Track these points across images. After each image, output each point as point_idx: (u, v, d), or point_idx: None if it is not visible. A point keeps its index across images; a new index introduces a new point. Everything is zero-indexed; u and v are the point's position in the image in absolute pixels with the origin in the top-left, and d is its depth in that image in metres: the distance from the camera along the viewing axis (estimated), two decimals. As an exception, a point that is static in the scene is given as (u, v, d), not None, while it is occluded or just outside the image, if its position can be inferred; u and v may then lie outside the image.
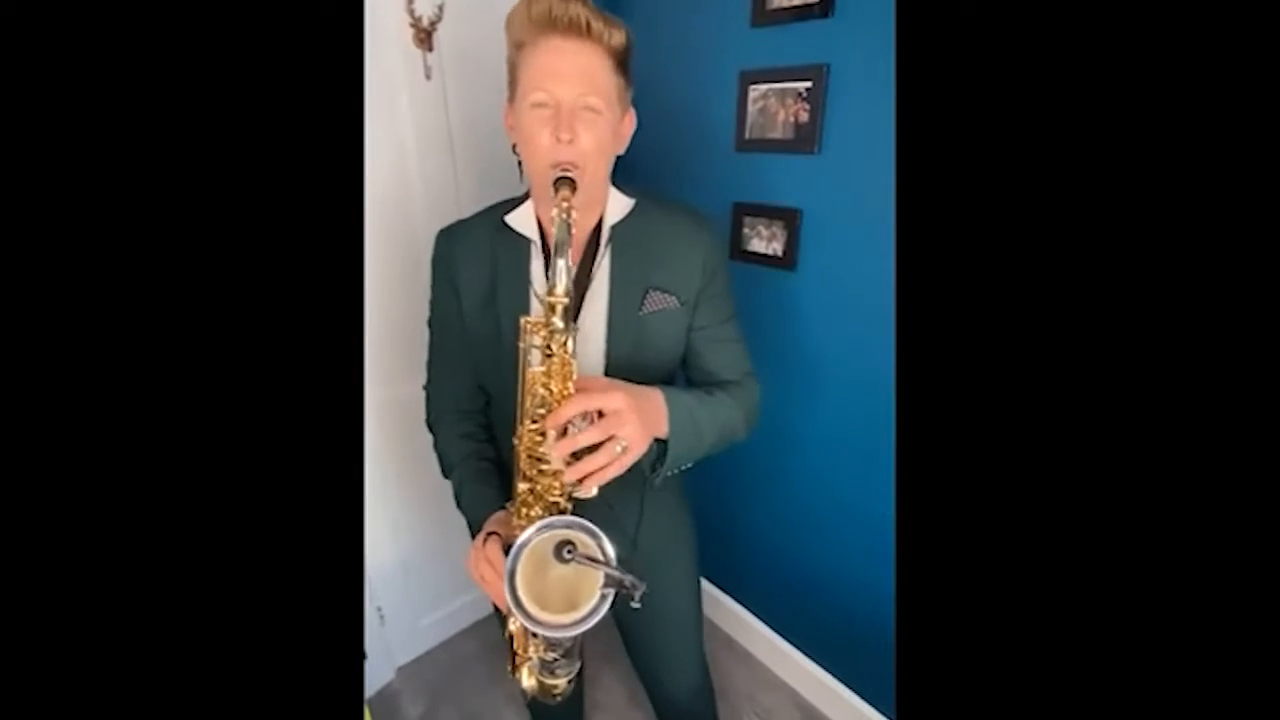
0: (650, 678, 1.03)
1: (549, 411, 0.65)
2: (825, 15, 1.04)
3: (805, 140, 1.12)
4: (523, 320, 0.66)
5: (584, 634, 0.67)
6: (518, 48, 0.68)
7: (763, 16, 1.14)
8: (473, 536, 0.80)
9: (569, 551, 0.61)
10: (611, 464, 0.61)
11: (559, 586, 0.66)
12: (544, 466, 0.68)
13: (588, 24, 0.64)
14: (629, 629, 0.99)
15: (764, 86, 1.16)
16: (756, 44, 1.17)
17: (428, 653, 1.67)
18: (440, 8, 1.20)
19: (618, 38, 0.67)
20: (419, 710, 1.52)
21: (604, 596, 0.62)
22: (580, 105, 0.66)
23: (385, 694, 1.56)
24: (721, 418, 0.76)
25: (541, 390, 0.66)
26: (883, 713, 1.37)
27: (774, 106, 1.16)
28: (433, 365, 0.92)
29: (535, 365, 0.66)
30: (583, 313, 0.76)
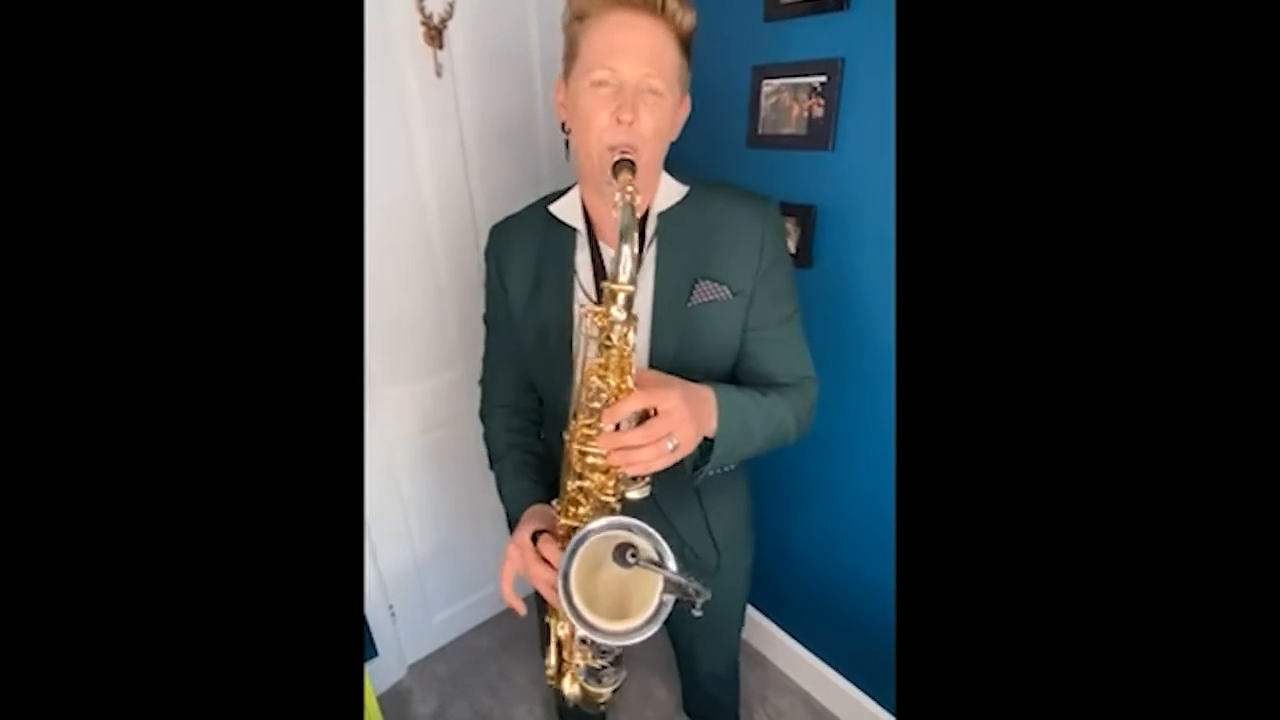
0: (687, 654, 1.04)
1: (605, 405, 0.62)
2: (840, 9, 1.02)
3: (819, 136, 1.11)
4: (579, 308, 0.63)
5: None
6: (580, 19, 0.64)
7: (776, 10, 1.12)
8: (510, 529, 0.78)
9: (633, 555, 0.58)
10: (660, 457, 0.59)
11: (608, 590, 0.63)
12: (595, 461, 0.66)
13: (662, 1, 0.61)
14: (674, 618, 0.97)
15: (777, 81, 1.15)
16: (769, 38, 1.15)
17: (439, 650, 1.68)
18: (451, 5, 1.19)
19: (689, 19, 0.64)
20: (430, 707, 1.53)
21: (663, 604, 0.59)
22: (644, 87, 0.62)
23: (397, 691, 1.56)
24: (774, 421, 0.72)
25: (598, 383, 0.63)
26: (894, 715, 1.35)
27: (787, 102, 1.14)
28: (486, 360, 0.91)
29: (593, 356, 0.63)
30: (635, 313, 0.72)
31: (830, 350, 1.23)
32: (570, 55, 0.67)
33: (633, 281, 0.59)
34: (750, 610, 1.66)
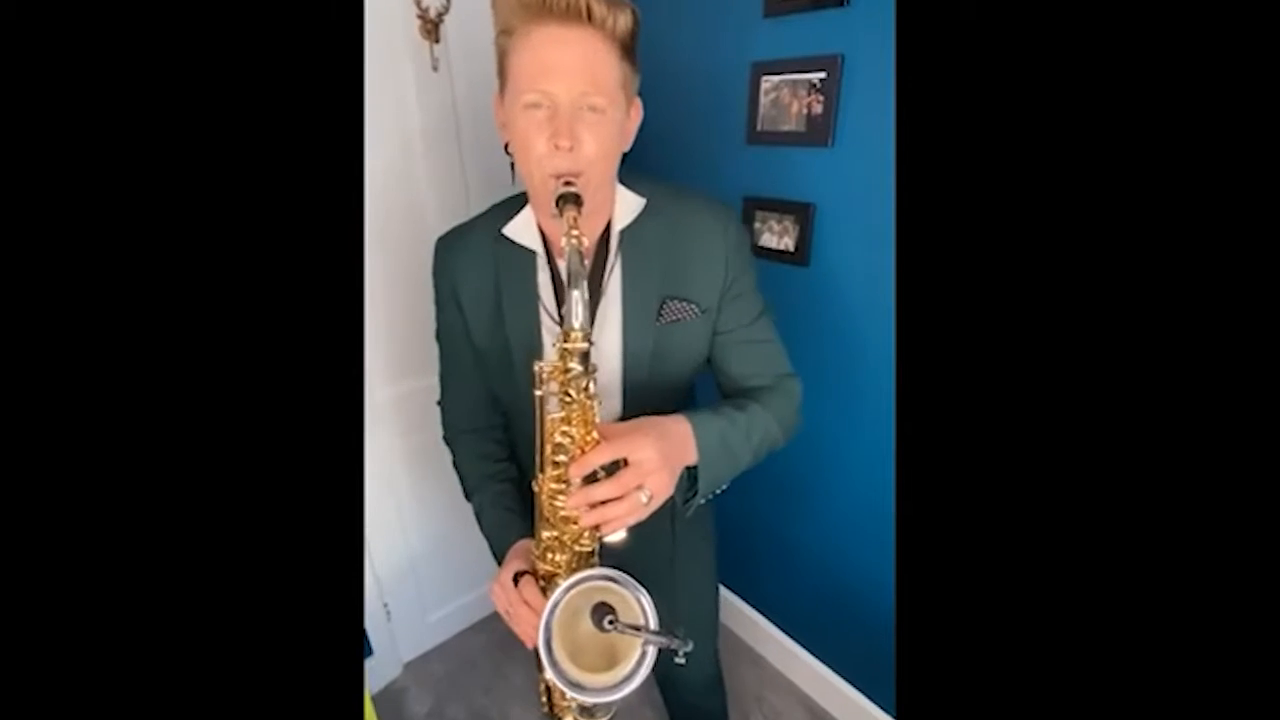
0: (664, 673, 1.03)
1: (570, 459, 0.60)
2: (839, 5, 1.01)
3: (819, 133, 1.10)
4: (537, 366, 0.60)
5: None
6: (506, 34, 0.59)
7: (775, 6, 1.11)
8: (497, 561, 0.78)
9: (610, 622, 0.58)
10: (635, 512, 0.57)
11: (593, 638, 0.62)
12: (569, 514, 0.64)
13: (588, 8, 0.54)
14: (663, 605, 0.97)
15: (776, 78, 1.14)
16: (769, 34, 1.15)
17: (435, 649, 1.67)
18: (447, -1, 1.18)
19: (623, 21, 0.57)
20: (426, 706, 1.52)
21: (645, 655, 0.59)
22: (581, 105, 0.57)
23: (392, 690, 1.56)
24: (757, 435, 0.70)
25: (562, 438, 0.61)
26: (891, 716, 1.35)
27: (787, 98, 1.13)
28: (444, 380, 0.86)
29: (554, 412, 0.60)
30: (595, 328, 0.70)
31: (828, 348, 1.22)
32: (502, 72, 0.61)
33: (586, 335, 0.56)
34: (747, 609, 1.66)
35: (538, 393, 0.61)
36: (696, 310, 0.71)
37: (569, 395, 0.58)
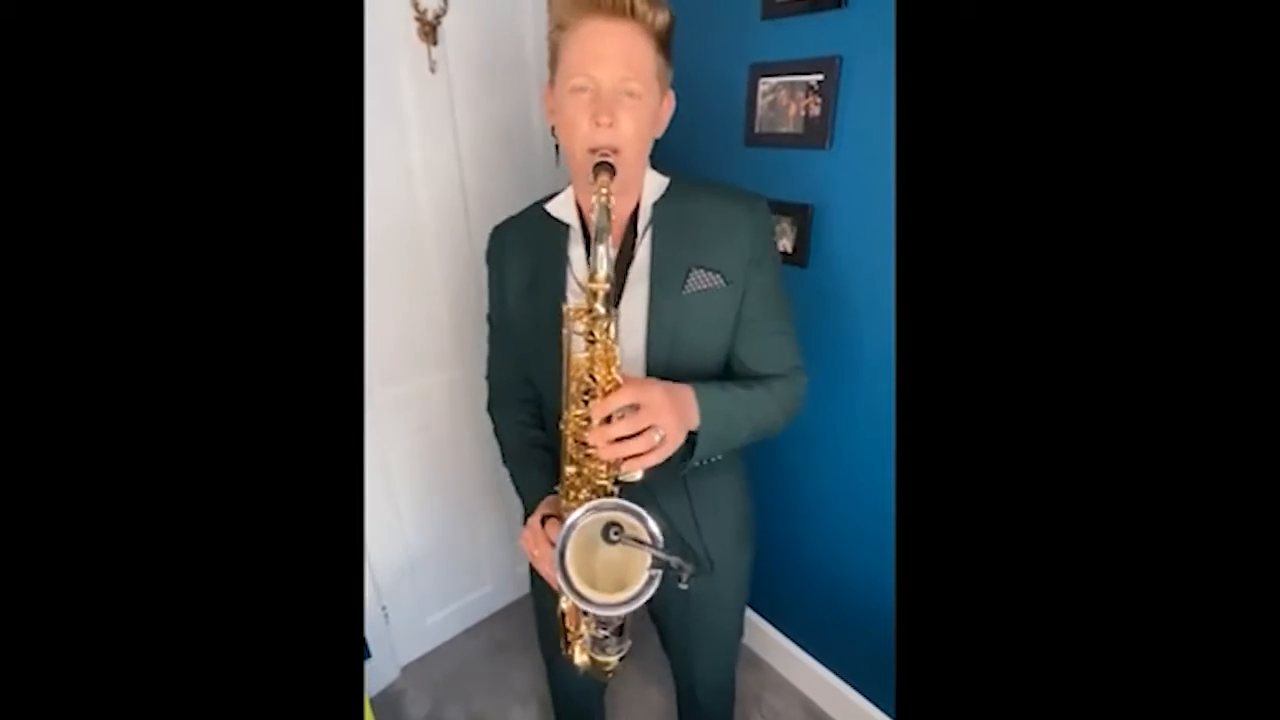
0: (683, 665, 1.03)
1: (594, 397, 0.66)
2: (837, 7, 1.02)
3: (816, 134, 1.10)
4: (565, 307, 0.66)
5: (631, 615, 0.70)
6: (559, 28, 0.67)
7: (773, 8, 1.11)
8: (525, 520, 0.83)
9: (616, 533, 0.62)
10: (650, 451, 0.62)
11: (607, 568, 0.68)
12: (590, 451, 0.69)
13: (631, 5, 0.63)
14: (671, 612, 0.97)
15: (774, 80, 1.14)
16: (767, 36, 1.15)
17: (433, 651, 1.67)
18: (445, 1, 1.18)
19: (661, 18, 0.66)
20: (424, 709, 1.52)
21: (651, 578, 0.63)
22: (621, 90, 0.65)
23: (390, 693, 1.55)
24: (757, 414, 0.75)
25: (586, 376, 0.67)
26: (890, 717, 1.35)
27: (784, 100, 1.14)
28: (490, 354, 0.95)
29: (579, 351, 0.67)
30: (624, 298, 0.75)
31: (827, 348, 1.22)
32: (553, 63, 0.70)
33: (609, 279, 0.62)
34: (748, 611, 1.65)
35: (565, 332, 0.67)
36: (722, 280, 0.75)
37: (593, 336, 0.64)
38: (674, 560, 0.61)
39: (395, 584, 1.51)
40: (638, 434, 0.62)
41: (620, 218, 0.76)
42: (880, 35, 0.98)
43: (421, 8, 1.16)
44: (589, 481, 0.72)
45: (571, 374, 0.68)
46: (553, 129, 0.73)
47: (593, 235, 0.61)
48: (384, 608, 1.50)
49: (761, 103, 1.18)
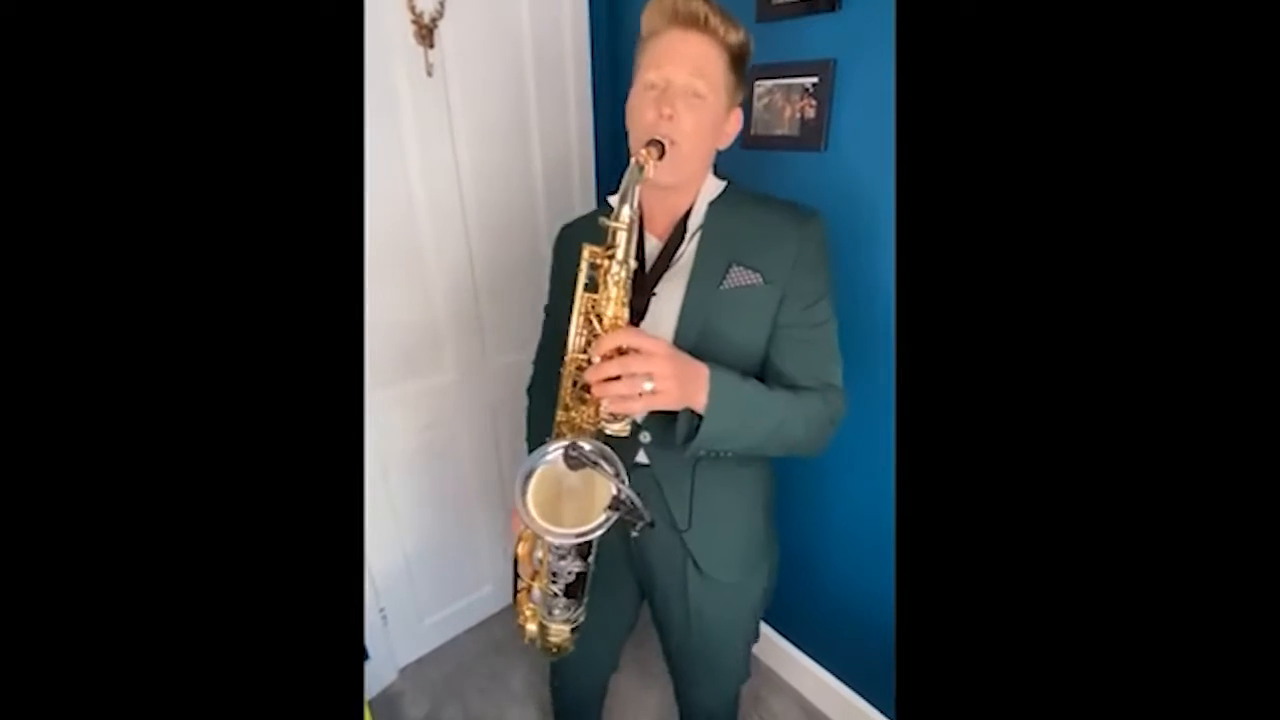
0: (682, 686, 1.03)
1: (595, 337, 0.68)
2: (831, 9, 1.02)
3: (812, 137, 1.11)
4: (585, 247, 0.68)
5: (586, 583, 0.74)
6: (646, 38, 0.73)
7: (768, 11, 1.12)
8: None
9: (574, 452, 0.64)
10: (634, 396, 0.62)
11: (571, 514, 0.70)
12: (581, 394, 0.72)
13: (706, 18, 0.69)
14: (675, 644, 0.96)
15: (769, 82, 1.15)
16: (762, 39, 1.14)
17: (431, 653, 1.67)
18: (442, 4, 1.18)
19: (735, 36, 0.71)
20: (422, 711, 1.51)
21: (607, 518, 0.64)
22: (687, 90, 0.70)
23: (388, 695, 1.55)
24: (776, 417, 0.72)
25: (593, 317, 0.69)
26: (889, 718, 1.35)
27: (780, 103, 1.14)
28: (541, 340, 0.98)
29: (590, 290, 0.70)
30: (659, 290, 0.77)
31: (823, 351, 1.23)
32: (636, 68, 0.75)
33: (631, 222, 0.65)
34: (744, 612, 1.66)
35: (581, 269, 0.69)
36: (761, 278, 0.75)
37: (605, 278, 0.67)
38: (631, 498, 0.61)
39: (394, 586, 1.51)
40: (628, 377, 0.62)
41: (671, 215, 0.79)
42: (875, 38, 0.98)
43: (418, 11, 1.16)
44: (578, 428, 0.73)
45: (579, 311, 0.70)
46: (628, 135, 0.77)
47: (619, 191, 0.65)
48: (382, 609, 1.50)
49: (757, 105, 1.18)
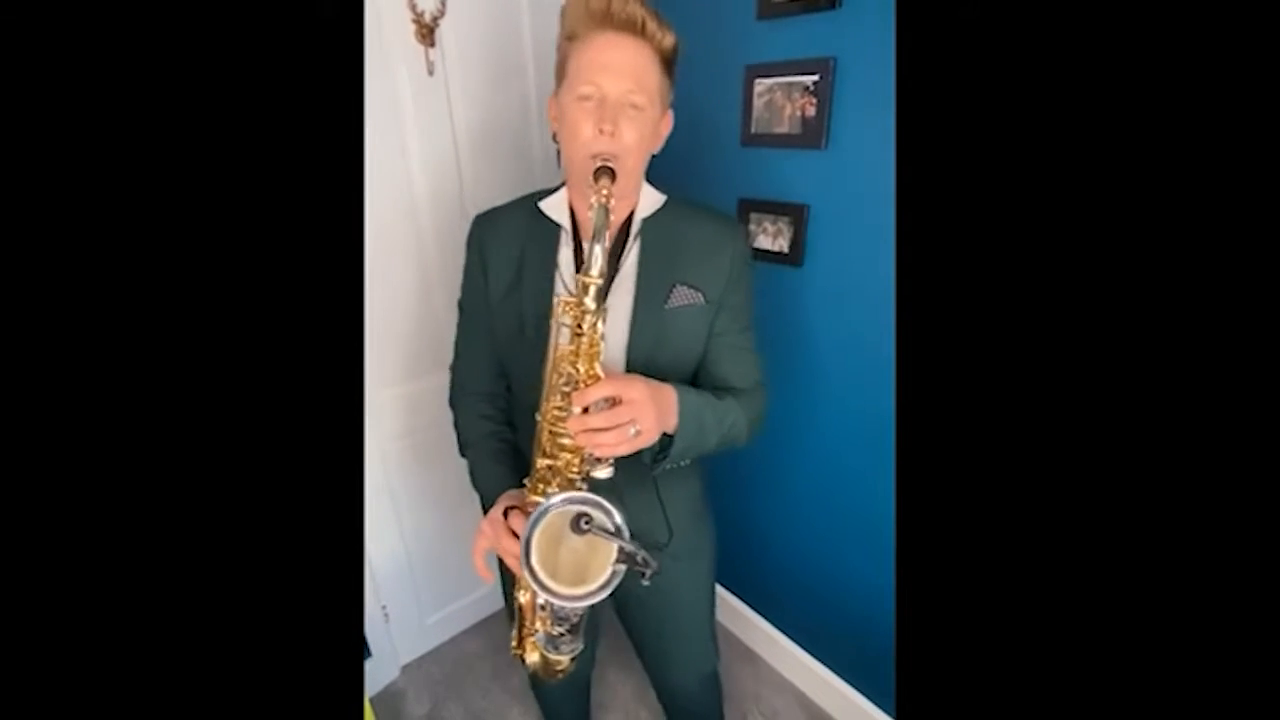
0: (658, 672, 1.04)
1: (574, 389, 0.67)
2: (831, 7, 1.02)
3: (812, 135, 1.11)
4: (557, 299, 0.68)
5: (588, 617, 0.73)
6: (570, 39, 0.69)
7: (768, 9, 1.12)
8: (485, 512, 0.81)
9: (586, 522, 0.63)
10: (623, 442, 0.63)
11: (570, 562, 0.68)
12: (564, 442, 0.70)
13: (643, 23, 0.66)
14: (639, 626, 0.99)
15: (770, 80, 1.15)
16: (762, 37, 1.15)
17: (433, 651, 1.67)
18: (443, 3, 1.19)
19: (669, 40, 0.69)
20: (424, 709, 1.52)
21: (615, 572, 0.64)
22: (625, 101, 0.67)
23: (390, 692, 1.56)
24: (728, 422, 0.78)
25: (569, 369, 0.68)
26: (889, 714, 1.35)
27: (780, 101, 1.14)
28: (459, 344, 0.93)
29: (565, 343, 0.68)
30: (606, 305, 0.76)
31: (823, 348, 1.23)
32: (560, 73, 0.72)
33: (602, 275, 0.64)
34: (744, 608, 1.66)
35: (553, 323, 0.69)
36: (702, 299, 0.78)
37: (580, 329, 0.66)
38: (640, 554, 0.61)
39: (396, 584, 1.52)
40: (615, 427, 0.63)
41: (612, 225, 0.77)
42: (875, 36, 0.98)
43: (419, 10, 1.16)
44: (560, 474, 0.73)
45: (554, 365, 0.69)
46: (554, 135, 0.74)
47: (592, 232, 0.63)
48: (384, 607, 1.51)
49: (757, 103, 1.18)
